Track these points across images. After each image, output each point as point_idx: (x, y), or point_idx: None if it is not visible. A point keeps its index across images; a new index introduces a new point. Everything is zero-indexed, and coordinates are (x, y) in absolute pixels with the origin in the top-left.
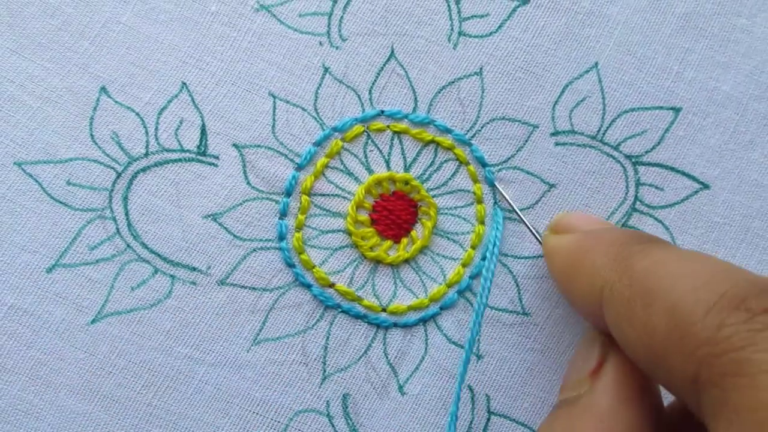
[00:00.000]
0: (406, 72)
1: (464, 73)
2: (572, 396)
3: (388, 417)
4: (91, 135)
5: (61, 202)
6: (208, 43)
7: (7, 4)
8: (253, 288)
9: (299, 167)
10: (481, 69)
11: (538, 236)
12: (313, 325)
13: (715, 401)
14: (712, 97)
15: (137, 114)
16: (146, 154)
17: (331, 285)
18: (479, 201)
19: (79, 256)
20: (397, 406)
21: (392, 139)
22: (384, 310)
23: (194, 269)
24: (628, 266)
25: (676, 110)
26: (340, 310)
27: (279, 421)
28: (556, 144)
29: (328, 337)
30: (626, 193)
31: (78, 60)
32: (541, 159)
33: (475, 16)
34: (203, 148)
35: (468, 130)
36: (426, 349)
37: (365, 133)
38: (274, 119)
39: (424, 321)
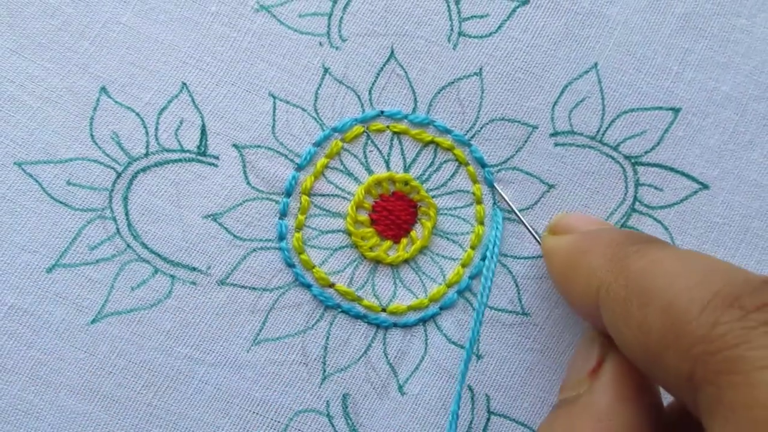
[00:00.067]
0: (405, 72)
1: (464, 73)
2: (572, 396)
3: (388, 417)
4: (91, 135)
5: (61, 202)
6: (208, 43)
7: (7, 4)
8: (253, 288)
9: (299, 167)
10: (480, 69)
11: (537, 237)
12: (313, 325)
13: (710, 399)
14: (711, 98)
15: (137, 114)
16: (146, 154)
17: (331, 285)
18: (479, 201)
19: (79, 256)
20: (397, 406)
21: (392, 140)
22: (384, 310)
23: (194, 269)
24: (624, 266)
25: (676, 111)
26: (340, 310)
27: (279, 421)
28: (556, 144)
29: (328, 337)
30: (625, 194)
31: (78, 60)
32: (540, 159)
33: (475, 16)
34: (203, 149)
35: (467, 131)
36: (426, 349)
37: (365, 134)
38: (274, 119)
39: (423, 321)
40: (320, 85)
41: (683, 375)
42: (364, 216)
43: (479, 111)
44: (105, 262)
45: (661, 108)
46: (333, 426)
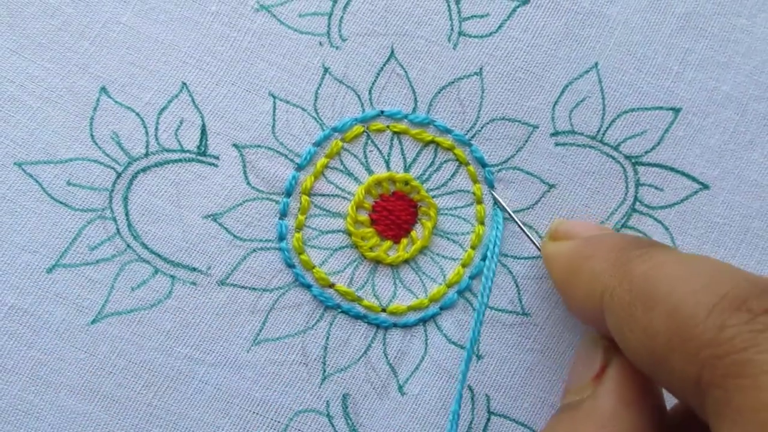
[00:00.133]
0: (406, 72)
1: (464, 73)
2: (575, 400)
3: (388, 417)
4: (91, 135)
5: (61, 203)
6: (208, 43)
7: (7, 4)
8: (253, 288)
9: (299, 167)
10: (481, 69)
11: (536, 244)
12: (313, 326)
13: (718, 403)
14: (712, 98)
15: (137, 114)
16: (146, 155)
17: (331, 285)
18: (479, 201)
19: (80, 257)
20: (397, 406)
21: (392, 140)
22: (384, 310)
23: (194, 269)
24: (627, 271)
25: (676, 110)
26: (339, 310)
27: (279, 421)
28: (556, 144)
29: (327, 338)
30: (626, 194)
31: (78, 60)
32: (540, 159)
33: (475, 16)
34: (203, 149)
35: (468, 131)
36: (426, 349)
37: (365, 134)
38: (274, 119)
39: (423, 321)
40: (320, 85)
41: (690, 378)
42: (364, 216)
43: (479, 111)
44: (105, 263)
45: (661, 108)
46: (333, 426)
